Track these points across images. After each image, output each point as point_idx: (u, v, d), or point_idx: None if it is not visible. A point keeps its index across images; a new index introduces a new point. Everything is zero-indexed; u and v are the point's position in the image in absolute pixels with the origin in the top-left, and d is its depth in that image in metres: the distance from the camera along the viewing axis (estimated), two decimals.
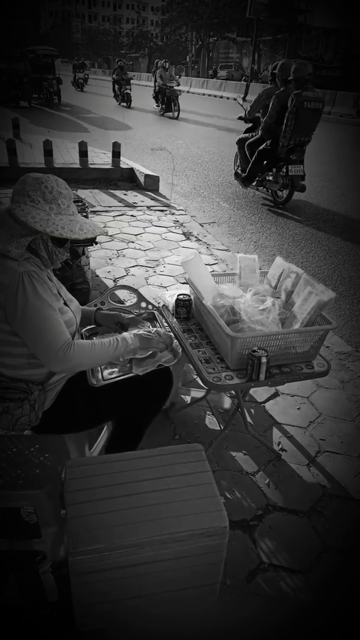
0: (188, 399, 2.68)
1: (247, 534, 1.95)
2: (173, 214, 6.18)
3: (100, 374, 1.91)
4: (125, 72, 19.92)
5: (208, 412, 2.61)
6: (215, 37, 47.39)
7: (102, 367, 1.95)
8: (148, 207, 6.42)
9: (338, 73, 30.95)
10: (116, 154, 7.86)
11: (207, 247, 5.11)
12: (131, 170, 7.86)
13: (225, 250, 5.09)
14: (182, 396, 2.68)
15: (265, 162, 6.39)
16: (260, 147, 6.34)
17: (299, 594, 1.74)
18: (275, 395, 2.71)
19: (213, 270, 4.21)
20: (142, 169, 7.70)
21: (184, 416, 2.57)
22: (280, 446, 2.42)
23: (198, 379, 2.69)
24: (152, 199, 6.84)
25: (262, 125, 6.26)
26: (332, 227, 6.03)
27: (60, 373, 1.75)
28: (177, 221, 5.89)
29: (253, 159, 6.43)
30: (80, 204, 3.93)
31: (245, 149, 6.65)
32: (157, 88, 17.27)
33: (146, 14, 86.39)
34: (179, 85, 17.20)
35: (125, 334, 1.86)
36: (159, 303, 2.50)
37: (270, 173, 6.52)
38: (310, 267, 4.78)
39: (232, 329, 1.92)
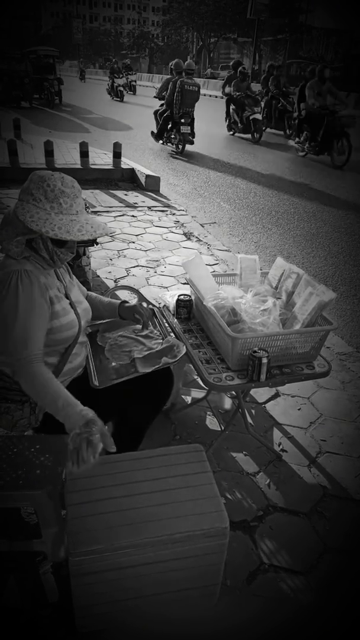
0: (189, 399, 2.68)
1: (247, 535, 1.94)
2: (174, 214, 6.18)
3: (103, 376, 1.90)
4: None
5: (209, 413, 2.61)
6: (216, 37, 47.39)
7: (105, 364, 1.95)
8: (149, 208, 6.42)
9: (339, 73, 30.92)
10: (117, 155, 7.86)
11: (208, 248, 5.11)
12: (132, 170, 7.86)
13: (226, 250, 5.09)
14: (183, 396, 2.68)
15: (168, 124, 9.98)
16: (165, 115, 9.80)
17: (300, 595, 1.73)
18: (276, 395, 2.71)
19: (214, 271, 4.21)
20: (143, 170, 7.70)
21: (184, 417, 2.57)
22: (280, 447, 2.41)
23: (199, 380, 2.69)
24: (152, 200, 6.84)
25: (165, 101, 9.77)
26: (332, 227, 6.02)
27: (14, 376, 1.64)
28: (178, 221, 5.89)
29: (161, 122, 10.02)
30: None
31: (157, 117, 10.14)
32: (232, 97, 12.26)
33: (147, 15, 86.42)
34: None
35: (79, 413, 1.50)
36: (159, 303, 2.50)
37: (172, 133, 10.05)
38: (311, 267, 4.78)
39: (233, 330, 1.92)
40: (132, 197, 6.94)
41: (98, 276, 4.21)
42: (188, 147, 10.18)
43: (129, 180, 7.84)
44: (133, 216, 6.01)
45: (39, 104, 18.38)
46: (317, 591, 1.75)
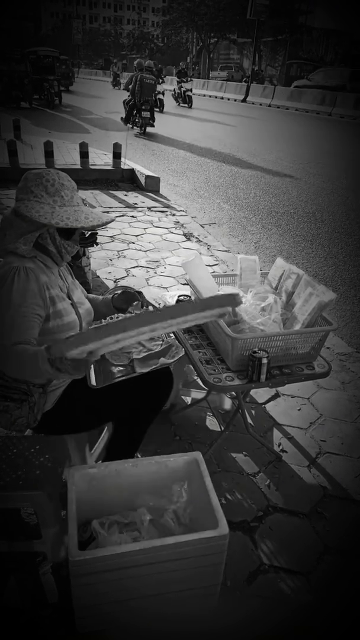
0: (189, 400, 2.68)
1: (247, 535, 1.94)
2: (174, 214, 6.18)
3: (101, 376, 1.90)
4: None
5: (209, 413, 2.61)
6: (216, 38, 47.43)
7: (105, 365, 1.94)
8: (149, 208, 6.42)
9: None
10: (117, 155, 7.87)
11: (208, 248, 5.11)
12: (132, 171, 7.86)
13: (226, 251, 5.09)
14: (183, 397, 2.68)
15: (134, 111, 12.46)
16: (130, 103, 12.27)
17: (300, 595, 1.73)
18: (276, 396, 2.71)
19: (214, 271, 4.21)
20: (143, 170, 7.70)
21: (184, 417, 2.57)
22: (280, 447, 2.41)
23: (199, 380, 2.69)
24: (152, 200, 6.85)
25: (130, 92, 12.11)
26: (332, 227, 6.03)
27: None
28: (178, 222, 5.89)
29: (127, 109, 12.55)
30: None
31: (125, 105, 12.63)
32: None
33: (147, 15, 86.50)
34: None
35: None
36: (159, 304, 2.49)
37: (136, 117, 12.52)
38: (311, 268, 4.78)
39: (233, 330, 1.92)
40: (132, 197, 6.94)
41: (98, 277, 4.21)
42: (149, 129, 12.84)
43: (129, 180, 7.84)
44: (133, 217, 6.01)
45: (39, 104, 18.39)
46: (317, 591, 1.75)
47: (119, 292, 2.10)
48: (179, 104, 21.04)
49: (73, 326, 1.75)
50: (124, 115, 12.90)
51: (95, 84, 35.21)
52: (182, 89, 20.46)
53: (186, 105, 20.50)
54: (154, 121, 12.52)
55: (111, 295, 2.10)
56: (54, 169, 1.64)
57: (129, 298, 2.07)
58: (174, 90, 21.38)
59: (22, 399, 1.66)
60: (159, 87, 15.52)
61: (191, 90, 20.55)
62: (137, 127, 12.73)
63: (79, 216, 1.58)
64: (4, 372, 1.56)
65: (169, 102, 19.93)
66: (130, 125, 12.85)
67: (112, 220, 1.74)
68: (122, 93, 15.40)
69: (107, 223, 1.66)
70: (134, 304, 2.05)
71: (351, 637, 1.64)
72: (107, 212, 6.08)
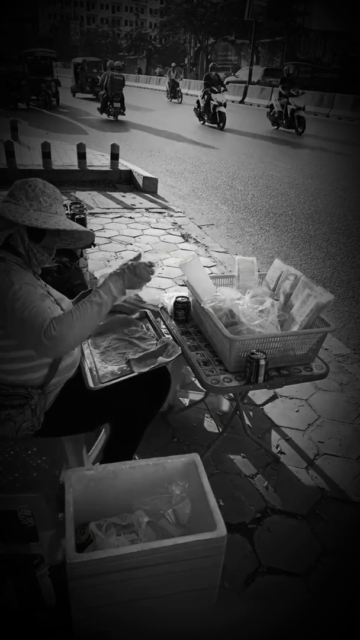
0: (186, 401, 2.67)
1: (245, 537, 1.94)
2: (171, 216, 6.18)
3: (97, 377, 1.89)
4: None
5: (206, 415, 2.60)
6: (214, 39, 47.51)
7: (100, 367, 1.94)
8: (146, 209, 6.42)
9: (336, 75, 31.06)
10: (114, 156, 7.87)
11: (206, 249, 5.11)
12: (130, 172, 7.86)
13: (224, 252, 5.09)
14: (181, 399, 2.68)
15: (107, 102, 15.24)
16: (104, 96, 15.15)
17: (297, 597, 1.73)
18: (274, 397, 2.71)
19: (211, 273, 4.21)
20: (141, 171, 7.70)
21: (182, 419, 2.57)
22: (279, 449, 2.41)
23: (196, 382, 2.68)
24: (150, 201, 6.85)
25: (103, 87, 15.03)
26: (330, 229, 6.03)
27: (59, 355, 1.63)
28: (176, 223, 5.89)
29: (102, 101, 15.41)
30: (78, 206, 3.94)
31: (100, 97, 15.62)
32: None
33: (145, 17, 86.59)
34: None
35: (99, 287, 1.65)
36: (156, 305, 2.49)
37: (109, 107, 15.31)
38: (308, 269, 4.78)
39: (231, 332, 1.92)
40: (130, 198, 6.94)
41: (95, 278, 4.20)
42: (120, 117, 15.59)
43: (126, 182, 7.84)
44: (131, 218, 6.01)
45: (36, 105, 18.39)
46: (315, 593, 1.74)
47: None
48: (203, 123, 15.47)
49: None
50: (99, 106, 15.95)
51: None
52: (212, 103, 14.32)
53: (216, 125, 14.61)
54: (124, 110, 15.36)
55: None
56: (42, 180, 1.65)
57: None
58: (197, 103, 15.44)
59: (22, 403, 1.65)
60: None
61: (225, 105, 14.29)
62: (111, 115, 15.49)
63: (48, 219, 1.57)
64: (55, 354, 1.60)
65: (188, 118, 16.32)
66: (105, 114, 15.82)
67: (84, 232, 1.74)
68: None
69: (75, 229, 1.64)
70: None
71: (349, 638, 1.64)
72: (105, 213, 6.08)
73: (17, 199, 1.59)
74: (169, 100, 24.31)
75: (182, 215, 6.26)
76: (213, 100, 14.22)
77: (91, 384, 1.80)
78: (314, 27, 43.31)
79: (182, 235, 5.48)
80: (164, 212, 6.32)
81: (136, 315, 2.29)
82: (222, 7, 41.23)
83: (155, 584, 1.50)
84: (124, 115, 15.43)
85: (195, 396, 2.64)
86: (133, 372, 1.83)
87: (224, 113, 14.20)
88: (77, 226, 1.67)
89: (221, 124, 14.37)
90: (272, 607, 1.69)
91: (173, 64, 25.97)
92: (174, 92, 23.90)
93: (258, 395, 2.74)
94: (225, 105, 14.32)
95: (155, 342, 2.02)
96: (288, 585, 1.77)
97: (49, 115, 16.08)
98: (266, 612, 1.67)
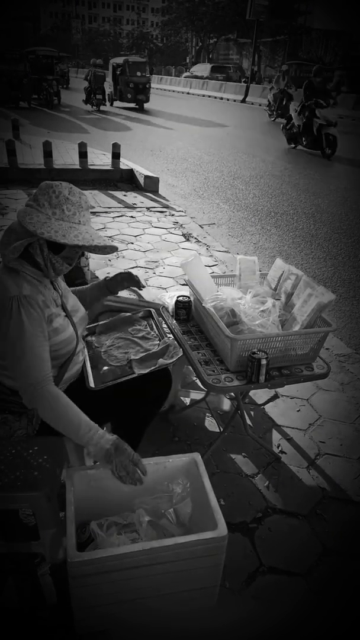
0: (187, 400, 2.67)
1: (246, 537, 1.94)
2: (173, 215, 6.18)
3: (98, 377, 1.89)
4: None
5: (207, 414, 2.60)
6: (216, 38, 47.45)
7: (102, 366, 1.94)
8: (148, 209, 6.42)
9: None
10: (116, 155, 7.87)
11: (207, 249, 5.11)
12: (131, 171, 7.86)
13: (225, 251, 5.09)
14: (182, 398, 2.68)
15: (90, 95, 17.77)
16: (88, 89, 17.65)
17: (298, 597, 1.73)
18: (275, 397, 2.70)
19: (213, 272, 4.21)
20: (142, 170, 7.70)
21: (183, 418, 2.57)
22: (279, 448, 2.41)
23: (197, 381, 2.69)
24: (151, 200, 6.84)
25: (87, 81, 17.68)
26: (331, 228, 6.03)
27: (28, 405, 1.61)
28: (177, 222, 5.89)
29: (87, 93, 17.86)
30: None
31: (85, 90, 17.91)
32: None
33: (146, 16, 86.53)
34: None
35: (103, 436, 1.56)
36: (158, 304, 2.49)
37: (92, 100, 17.76)
38: (310, 268, 4.78)
39: (232, 331, 1.92)
40: (131, 197, 6.93)
41: (97, 277, 4.21)
42: (102, 108, 18.10)
43: (127, 181, 7.84)
44: (132, 217, 6.01)
45: (38, 104, 18.38)
46: (316, 593, 1.74)
47: (112, 275, 2.08)
48: (294, 147, 11.52)
49: (71, 340, 1.72)
50: (84, 99, 18.30)
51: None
52: (316, 123, 10.20)
53: (319, 151, 10.61)
54: (106, 101, 18.62)
55: (104, 278, 2.08)
56: (69, 184, 1.57)
57: (123, 278, 2.05)
58: (287, 119, 11.49)
59: (20, 411, 1.65)
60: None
61: (335, 125, 10.14)
62: (94, 105, 17.99)
63: (68, 232, 1.51)
64: (39, 412, 1.58)
65: (274, 136, 12.58)
66: (90, 105, 18.19)
67: (107, 246, 1.63)
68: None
69: (98, 245, 1.57)
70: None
71: (349, 638, 1.64)
72: (106, 212, 6.08)
73: (40, 205, 1.53)
74: (272, 119, 16.90)
75: (184, 214, 6.26)
76: (318, 118, 10.09)
77: (92, 384, 1.80)
78: (316, 26, 43.20)
79: (184, 235, 5.47)
80: (166, 211, 6.31)
81: (140, 314, 2.30)
82: (224, 6, 41.18)
83: (156, 583, 1.50)
84: (105, 105, 18.59)
85: (197, 395, 2.64)
86: (134, 373, 1.83)
87: (335, 137, 10.17)
88: (99, 240, 1.58)
89: (329, 151, 10.36)
90: (272, 606, 1.69)
91: (284, 67, 17.57)
92: (282, 109, 15.50)
93: (259, 395, 2.74)
94: (336, 125, 10.14)
95: (158, 342, 2.02)
96: (289, 584, 1.77)
97: (51, 114, 16.07)
98: (267, 612, 1.67)
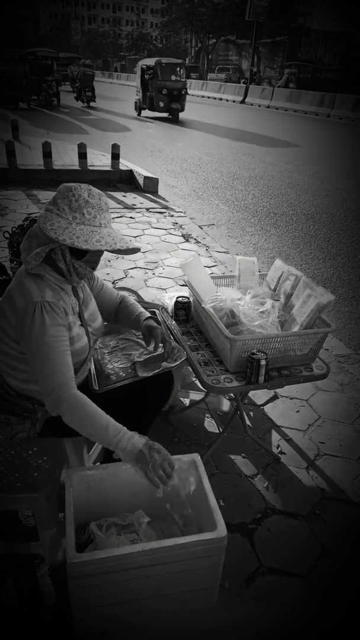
0: (187, 401, 2.67)
1: (246, 537, 1.94)
2: (172, 216, 6.18)
3: (102, 379, 1.89)
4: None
5: (207, 415, 2.60)
6: (215, 39, 47.49)
7: (106, 367, 1.94)
8: (147, 209, 6.42)
9: (337, 75, 31.04)
10: (115, 156, 7.87)
11: (206, 250, 5.11)
12: (130, 172, 7.86)
13: (225, 252, 5.09)
14: (181, 399, 2.68)
15: (81, 92, 20.06)
16: (79, 87, 20.14)
17: (297, 597, 1.73)
18: (275, 398, 2.70)
19: (212, 273, 4.22)
20: (141, 171, 7.70)
21: (183, 419, 2.57)
22: (279, 449, 2.41)
23: (197, 382, 2.69)
24: (151, 201, 6.85)
25: (77, 80, 20.43)
26: (331, 229, 6.03)
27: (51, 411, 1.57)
28: (176, 223, 5.89)
29: (77, 91, 20.52)
30: None
31: (75, 89, 21.01)
32: None
33: (146, 16, 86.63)
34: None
35: (133, 437, 1.51)
36: (158, 305, 2.49)
37: (83, 96, 19.96)
38: (309, 269, 4.78)
39: (231, 332, 1.92)
40: (131, 198, 6.94)
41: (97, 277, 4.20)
42: (92, 104, 20.09)
43: (127, 181, 7.84)
44: (131, 218, 6.01)
45: (37, 105, 18.41)
46: (315, 594, 1.74)
47: (153, 325, 1.93)
48: None
49: (83, 351, 1.70)
50: (75, 95, 20.60)
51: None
52: None
53: None
54: (95, 98, 20.38)
55: (144, 319, 1.96)
56: (88, 185, 1.55)
57: (154, 337, 1.91)
58: None
59: (25, 415, 1.65)
60: None
61: None
62: (85, 102, 20.13)
63: (90, 237, 1.48)
64: (63, 417, 1.53)
65: None
66: (80, 101, 20.27)
67: (130, 247, 1.59)
68: None
69: (121, 248, 1.54)
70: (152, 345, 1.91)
71: (349, 638, 1.64)
72: None
73: (60, 210, 1.50)
74: None
75: (183, 215, 6.26)
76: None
77: (96, 387, 1.80)
78: (315, 27, 43.25)
79: (183, 235, 5.48)
80: (165, 212, 6.32)
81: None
82: (223, 7, 41.21)
83: (155, 584, 1.50)
84: (95, 102, 20.62)
85: (196, 396, 2.64)
86: (137, 375, 1.83)
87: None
88: (121, 243, 1.54)
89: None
90: (272, 607, 1.69)
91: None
92: None
93: (258, 396, 2.74)
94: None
95: (162, 344, 2.02)
96: (288, 585, 1.77)
97: (50, 115, 16.08)
98: (266, 612, 1.67)
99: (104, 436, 1.48)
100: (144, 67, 16.84)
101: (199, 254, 4.87)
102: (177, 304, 2.35)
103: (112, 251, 1.57)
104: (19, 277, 1.58)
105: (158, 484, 1.45)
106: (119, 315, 2.03)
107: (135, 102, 17.79)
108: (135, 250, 1.64)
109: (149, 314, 2.00)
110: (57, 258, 1.57)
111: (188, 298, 2.37)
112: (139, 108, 17.46)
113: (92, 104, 20.39)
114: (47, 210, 1.54)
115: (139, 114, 17.75)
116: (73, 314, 1.66)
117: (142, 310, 2.01)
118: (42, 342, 1.50)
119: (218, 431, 2.47)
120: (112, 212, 6.08)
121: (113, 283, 4.15)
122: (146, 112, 17.47)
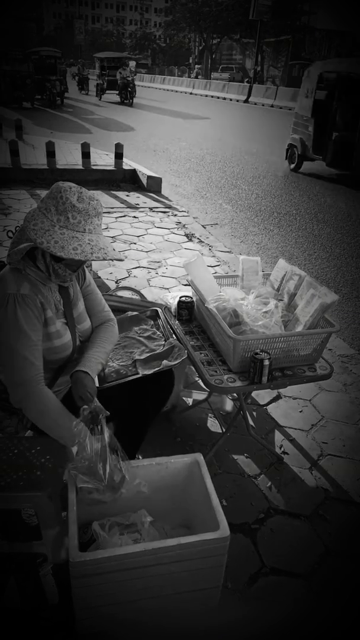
0: (190, 401, 2.67)
1: (248, 538, 1.94)
2: (175, 215, 6.18)
3: (102, 376, 1.90)
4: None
5: (210, 415, 2.60)
6: (219, 38, 47.42)
7: (108, 364, 1.94)
8: (150, 209, 6.42)
9: None
10: (119, 155, 7.87)
11: (210, 249, 5.11)
12: (133, 171, 7.86)
13: (228, 252, 5.08)
14: (184, 398, 2.68)
15: (82, 85, 27.03)
16: (79, 79, 27.25)
17: (300, 598, 1.73)
18: (278, 398, 2.70)
19: (215, 272, 4.20)
20: (145, 170, 7.70)
21: (185, 419, 2.57)
22: (282, 449, 2.41)
23: (200, 381, 2.68)
24: (154, 201, 6.84)
25: (79, 76, 27.28)
26: (335, 229, 6.02)
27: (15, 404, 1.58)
28: (180, 223, 5.89)
29: (78, 83, 27.55)
30: None
31: (77, 82, 27.78)
32: None
33: (149, 16, 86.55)
34: None
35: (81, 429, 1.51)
36: (161, 304, 2.49)
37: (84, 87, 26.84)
38: (313, 269, 4.77)
39: (235, 331, 1.92)
40: (134, 198, 6.94)
41: (99, 277, 4.21)
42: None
43: (130, 181, 7.84)
44: (134, 217, 6.01)
45: (41, 104, 18.43)
46: (317, 594, 1.74)
47: (83, 383, 1.64)
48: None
49: (65, 348, 1.69)
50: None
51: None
52: None
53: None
54: (88, 91, 25.88)
55: (76, 370, 1.69)
56: (79, 188, 1.52)
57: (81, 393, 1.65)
58: None
59: (12, 410, 1.65)
60: None
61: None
62: (84, 90, 25.86)
63: (68, 243, 1.46)
64: (25, 411, 1.56)
65: None
66: (80, 91, 25.49)
67: (109, 259, 1.56)
68: None
69: (97, 260, 1.52)
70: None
71: (351, 638, 1.63)
72: (109, 212, 6.08)
73: (47, 210, 1.49)
74: None
75: (186, 214, 6.25)
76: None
77: (96, 384, 1.80)
78: (319, 26, 43.05)
79: (186, 235, 5.47)
80: (168, 212, 6.31)
81: (147, 313, 2.30)
82: (227, 6, 41.11)
83: (157, 584, 1.50)
84: (87, 94, 25.83)
85: (199, 396, 2.64)
86: (137, 373, 1.83)
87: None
88: (98, 254, 1.51)
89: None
90: (274, 607, 1.69)
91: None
92: None
93: (262, 395, 2.74)
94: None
95: (163, 342, 2.02)
96: (291, 585, 1.76)
97: (54, 115, 16.10)
98: (268, 612, 1.67)
99: (65, 432, 1.52)
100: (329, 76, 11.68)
101: (202, 254, 4.86)
102: (180, 303, 2.35)
103: (94, 259, 1.54)
104: (1, 273, 1.60)
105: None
106: (91, 335, 1.85)
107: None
108: (118, 260, 1.63)
109: (94, 363, 1.72)
110: (38, 257, 1.58)
111: (191, 298, 2.37)
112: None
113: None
114: (38, 208, 1.54)
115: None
116: (56, 311, 1.66)
117: (94, 355, 1.74)
118: (9, 336, 1.51)
119: (221, 431, 2.46)
120: (115, 212, 6.10)
121: (116, 282, 4.15)
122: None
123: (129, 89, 21.50)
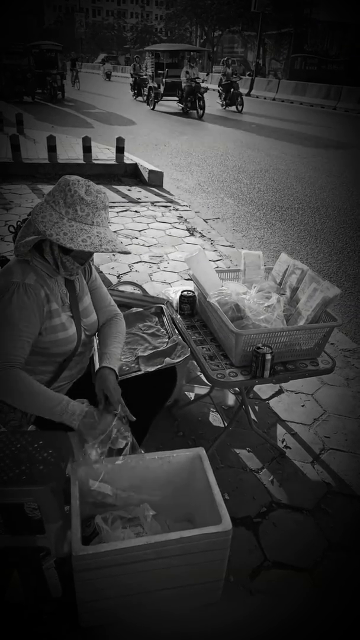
0: (192, 395, 2.67)
1: (250, 531, 1.94)
2: (177, 209, 6.16)
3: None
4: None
5: (212, 409, 2.60)
6: (220, 31, 47.10)
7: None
8: (152, 203, 6.40)
9: (343, 67, 30.77)
10: (120, 150, 7.84)
11: (211, 243, 5.10)
12: (135, 165, 7.84)
13: (230, 246, 5.07)
14: (186, 393, 2.68)
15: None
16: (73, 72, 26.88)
17: (303, 592, 1.73)
18: (280, 392, 2.70)
19: (217, 267, 4.20)
20: (146, 165, 7.68)
21: (187, 413, 2.57)
22: (284, 443, 2.41)
23: (202, 376, 2.68)
24: (156, 195, 6.82)
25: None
26: (337, 222, 5.99)
27: None
28: (181, 217, 5.87)
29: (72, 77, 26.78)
30: None
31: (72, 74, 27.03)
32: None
33: (150, 9, 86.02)
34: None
35: (76, 405, 1.56)
36: (163, 299, 2.48)
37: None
38: (315, 263, 4.76)
39: (237, 326, 1.91)
40: (135, 192, 6.92)
41: (101, 272, 4.20)
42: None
43: (132, 175, 7.82)
44: (136, 212, 5.99)
45: (42, 98, 18.35)
46: (320, 588, 1.74)
47: (108, 379, 1.68)
48: None
49: (69, 341, 1.69)
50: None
51: (96, 77, 34.71)
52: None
53: None
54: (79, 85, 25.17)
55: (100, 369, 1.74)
56: (87, 182, 1.53)
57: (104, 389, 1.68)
58: None
59: None
60: None
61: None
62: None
63: (77, 236, 1.48)
64: None
65: None
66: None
67: (117, 251, 1.57)
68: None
69: (106, 252, 1.52)
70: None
71: (354, 633, 1.64)
72: (111, 206, 6.06)
73: (55, 202, 1.50)
74: None
75: (188, 209, 6.24)
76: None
77: None
78: (322, 19, 42.68)
79: (188, 229, 5.46)
80: (170, 206, 6.30)
81: (152, 309, 2.30)
82: None
83: (160, 577, 1.50)
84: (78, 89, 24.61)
85: (201, 390, 2.64)
86: (140, 370, 1.83)
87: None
88: (107, 246, 1.52)
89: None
90: (277, 601, 1.69)
91: None
92: None
93: (264, 390, 2.74)
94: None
95: (167, 339, 2.02)
96: (293, 579, 1.77)
97: (55, 109, 16.04)
98: (271, 607, 1.68)
99: (46, 406, 1.53)
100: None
101: (204, 248, 4.86)
102: (182, 298, 2.34)
103: (103, 251, 1.56)
104: (8, 263, 1.61)
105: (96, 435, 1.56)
106: (100, 334, 1.88)
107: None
108: (125, 253, 1.64)
109: (116, 360, 1.75)
110: (46, 250, 1.59)
111: (193, 292, 2.36)
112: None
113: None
114: (45, 201, 1.54)
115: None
116: (62, 304, 1.67)
117: (115, 351, 1.78)
118: (2, 314, 1.51)
119: (223, 425, 2.47)
120: (116, 206, 6.08)
121: (118, 277, 4.14)
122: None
123: (199, 95, 15.42)
